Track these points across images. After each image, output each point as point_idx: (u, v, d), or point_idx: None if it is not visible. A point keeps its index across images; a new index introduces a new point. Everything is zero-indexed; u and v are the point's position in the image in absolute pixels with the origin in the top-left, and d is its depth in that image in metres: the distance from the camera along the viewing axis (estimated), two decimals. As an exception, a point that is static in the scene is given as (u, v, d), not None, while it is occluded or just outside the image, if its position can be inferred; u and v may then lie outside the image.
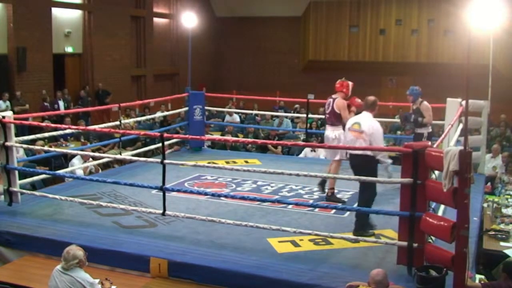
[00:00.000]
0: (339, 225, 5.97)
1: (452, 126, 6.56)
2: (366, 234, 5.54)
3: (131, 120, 11.15)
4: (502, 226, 6.49)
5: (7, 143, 6.16)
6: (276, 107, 17.45)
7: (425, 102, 7.41)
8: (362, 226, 5.66)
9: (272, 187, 7.58)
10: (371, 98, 5.97)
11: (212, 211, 6.33)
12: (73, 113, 13.35)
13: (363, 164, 5.69)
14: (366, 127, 5.78)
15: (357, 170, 5.73)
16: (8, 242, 5.63)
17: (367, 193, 5.70)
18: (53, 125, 8.40)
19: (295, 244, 5.43)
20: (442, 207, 5.56)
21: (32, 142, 8.02)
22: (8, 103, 13.31)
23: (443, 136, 6.06)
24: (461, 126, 7.14)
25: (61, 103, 14.83)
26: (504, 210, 6.96)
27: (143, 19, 19.71)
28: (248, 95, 12.99)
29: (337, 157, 6.96)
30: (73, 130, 9.45)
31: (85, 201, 6.33)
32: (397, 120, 13.98)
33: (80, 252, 4.25)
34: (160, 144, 6.15)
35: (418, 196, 4.57)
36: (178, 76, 21.48)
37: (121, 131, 8.36)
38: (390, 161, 6.35)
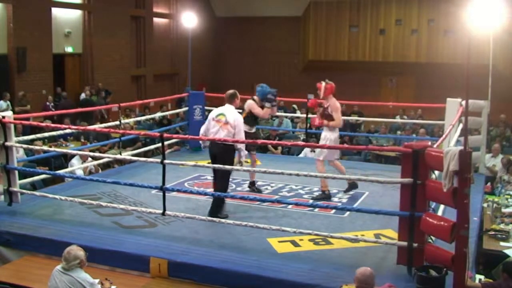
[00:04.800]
0: (339, 225, 5.97)
1: (452, 126, 6.56)
2: (221, 216, 5.98)
3: (131, 120, 11.15)
4: (502, 226, 6.49)
5: (7, 143, 6.16)
6: (276, 107, 17.40)
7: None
8: (218, 209, 6.08)
9: (272, 187, 7.58)
10: (231, 91, 6.42)
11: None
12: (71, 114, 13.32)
13: (225, 152, 6.11)
14: (232, 120, 6.16)
15: (217, 158, 6.06)
16: (8, 242, 5.63)
17: (224, 180, 6.22)
18: (53, 125, 8.40)
19: (295, 244, 5.43)
20: (442, 207, 5.56)
21: (32, 142, 8.02)
22: (9, 103, 13.32)
23: (443, 136, 6.06)
24: (461, 126, 7.14)
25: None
26: (504, 210, 6.97)
27: (143, 19, 19.72)
28: (248, 95, 12.96)
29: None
30: (73, 130, 9.45)
31: (85, 201, 6.32)
32: (397, 120, 14.06)
33: (81, 252, 4.25)
34: (160, 144, 6.15)
35: (418, 196, 4.57)
36: (178, 76, 21.49)
37: (121, 131, 8.36)
38: (246, 152, 6.70)
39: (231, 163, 6.20)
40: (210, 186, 7.50)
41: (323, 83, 7.04)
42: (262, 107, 7.36)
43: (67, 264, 4.20)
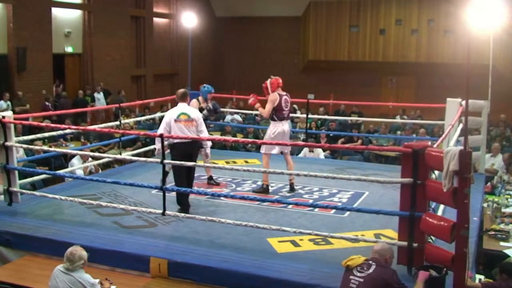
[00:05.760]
0: (339, 225, 5.96)
1: (452, 126, 6.55)
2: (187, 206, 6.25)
3: (131, 120, 11.15)
4: (502, 226, 6.49)
5: (7, 143, 6.16)
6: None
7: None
8: (184, 200, 6.29)
9: (272, 187, 7.56)
10: (182, 90, 6.61)
11: (212, 211, 6.33)
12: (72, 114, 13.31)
13: (198, 150, 6.55)
14: (195, 116, 6.40)
15: (189, 156, 6.19)
16: (8, 242, 5.62)
17: (193, 176, 6.51)
18: (53, 125, 8.40)
19: (295, 244, 5.43)
20: (441, 207, 5.56)
21: (32, 142, 8.02)
22: (9, 102, 13.32)
23: (443, 136, 6.06)
24: (461, 126, 7.14)
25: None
26: (504, 210, 6.97)
27: (143, 19, 19.72)
28: (248, 95, 12.98)
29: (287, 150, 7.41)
30: (73, 130, 9.45)
31: (85, 201, 6.32)
32: (397, 120, 14.06)
33: (84, 253, 4.26)
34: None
35: (418, 196, 4.57)
36: (178, 76, 21.48)
37: (121, 131, 8.36)
38: (210, 143, 7.21)
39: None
40: (210, 186, 7.53)
41: (268, 80, 7.26)
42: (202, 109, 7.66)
43: (71, 265, 4.20)
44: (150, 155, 10.05)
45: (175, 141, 6.21)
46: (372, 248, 4.23)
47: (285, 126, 7.26)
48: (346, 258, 4.20)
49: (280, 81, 7.24)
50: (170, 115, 6.37)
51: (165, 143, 6.27)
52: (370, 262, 4.12)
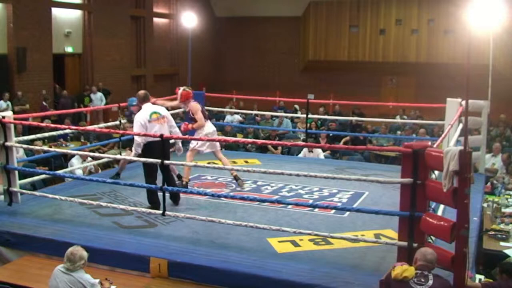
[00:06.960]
0: (339, 225, 5.96)
1: (452, 126, 6.55)
2: (153, 207, 6.12)
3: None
4: (502, 226, 6.50)
5: (7, 143, 6.17)
6: (276, 107, 17.47)
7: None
8: (154, 203, 6.23)
9: (272, 187, 7.58)
10: (142, 91, 6.68)
11: (212, 211, 6.33)
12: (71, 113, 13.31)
13: (170, 147, 6.59)
14: (165, 113, 6.54)
15: (166, 154, 6.19)
16: (8, 242, 5.62)
17: (170, 174, 6.59)
18: (52, 125, 8.40)
19: (295, 244, 5.42)
20: (441, 207, 5.56)
21: (32, 142, 8.02)
22: (9, 102, 13.32)
23: (443, 136, 6.06)
24: (461, 126, 7.14)
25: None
26: (504, 210, 6.97)
27: (143, 19, 19.73)
28: (248, 95, 12.98)
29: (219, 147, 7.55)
30: (73, 130, 9.44)
31: (85, 201, 6.32)
32: (397, 120, 14.07)
33: (85, 253, 4.26)
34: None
35: (418, 196, 4.57)
36: (178, 76, 21.50)
37: (121, 131, 8.35)
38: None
39: None
40: (210, 186, 7.54)
41: (181, 89, 7.39)
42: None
43: (72, 265, 4.19)
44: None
45: (149, 139, 6.20)
46: (423, 255, 3.97)
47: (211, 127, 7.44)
48: (400, 270, 3.91)
49: (191, 95, 7.39)
50: (142, 117, 6.36)
51: (141, 144, 6.30)
52: (424, 272, 3.90)
